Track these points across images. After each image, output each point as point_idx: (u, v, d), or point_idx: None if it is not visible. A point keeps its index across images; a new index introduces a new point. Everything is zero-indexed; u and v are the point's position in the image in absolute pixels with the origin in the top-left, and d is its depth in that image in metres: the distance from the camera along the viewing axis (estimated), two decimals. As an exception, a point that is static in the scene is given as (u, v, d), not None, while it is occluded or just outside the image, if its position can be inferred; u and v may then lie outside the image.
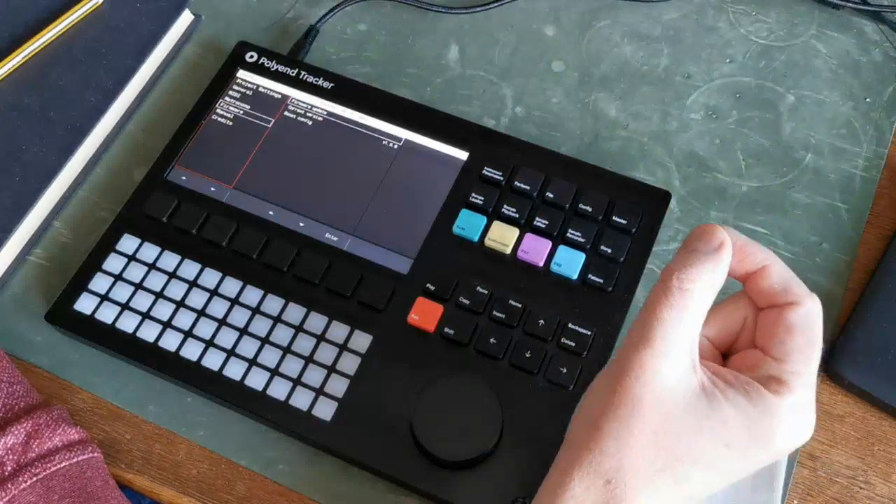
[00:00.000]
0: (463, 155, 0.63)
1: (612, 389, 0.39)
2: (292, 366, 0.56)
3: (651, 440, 0.38)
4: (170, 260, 0.60)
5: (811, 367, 0.40)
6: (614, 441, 0.38)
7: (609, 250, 0.58)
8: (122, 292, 0.60)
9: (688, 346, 0.39)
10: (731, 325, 0.43)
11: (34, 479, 0.50)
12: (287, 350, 0.57)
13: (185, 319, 0.58)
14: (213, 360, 0.57)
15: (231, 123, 0.65)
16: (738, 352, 0.43)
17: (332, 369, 0.56)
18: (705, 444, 0.38)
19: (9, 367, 0.55)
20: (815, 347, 0.40)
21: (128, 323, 0.59)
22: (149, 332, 0.58)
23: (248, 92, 0.66)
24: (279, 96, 0.66)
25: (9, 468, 0.50)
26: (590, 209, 0.60)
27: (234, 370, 0.57)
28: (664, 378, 0.38)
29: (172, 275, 0.60)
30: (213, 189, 0.63)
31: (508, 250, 0.59)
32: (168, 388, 0.58)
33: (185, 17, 0.71)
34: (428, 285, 0.58)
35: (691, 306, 0.38)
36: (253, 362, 0.57)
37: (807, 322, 0.40)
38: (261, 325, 0.58)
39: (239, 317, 0.58)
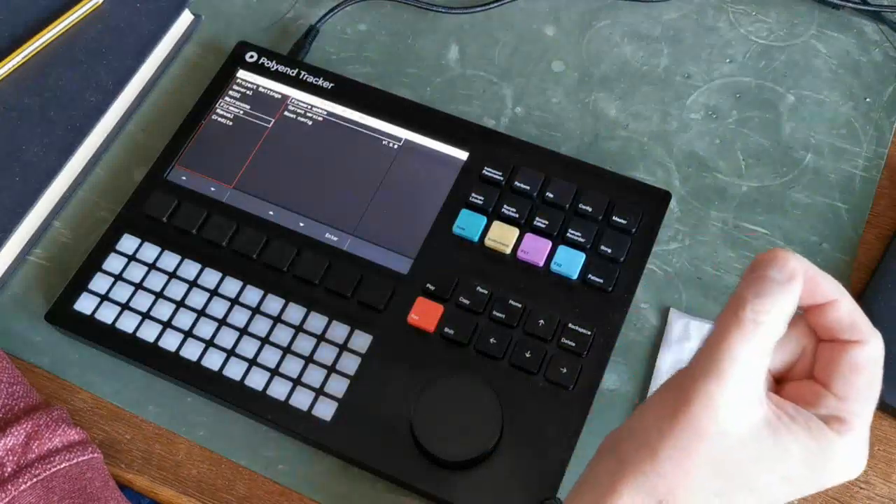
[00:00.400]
0: (463, 155, 0.63)
1: (673, 415, 0.38)
2: (292, 366, 0.56)
3: (710, 469, 0.38)
4: (170, 260, 0.60)
5: (871, 407, 0.40)
6: (672, 466, 0.38)
7: (609, 250, 0.58)
8: (122, 292, 0.60)
9: (757, 379, 0.38)
10: (790, 353, 0.42)
11: (34, 480, 0.50)
12: (287, 350, 0.57)
13: (185, 319, 0.58)
14: (213, 360, 0.57)
15: (231, 123, 0.65)
16: (794, 380, 0.42)
17: (332, 369, 0.56)
18: (764, 474, 0.38)
19: (8, 367, 0.55)
20: (876, 388, 0.40)
21: (128, 323, 0.59)
22: (149, 332, 0.58)
23: (248, 92, 0.66)
24: (279, 96, 0.66)
25: (9, 469, 0.50)
26: (590, 209, 0.60)
27: (234, 370, 0.57)
28: (731, 410, 0.37)
29: (172, 275, 0.60)
30: (213, 189, 0.63)
31: (508, 250, 0.59)
32: (168, 388, 0.58)
33: (185, 17, 0.71)
34: (428, 285, 0.58)
35: (763, 338, 0.38)
36: (253, 362, 0.57)
37: (872, 362, 0.40)
38: (261, 325, 0.58)
39: (239, 317, 0.58)
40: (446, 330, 0.57)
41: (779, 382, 0.43)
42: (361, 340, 0.57)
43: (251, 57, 0.67)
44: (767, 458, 0.38)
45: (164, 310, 0.59)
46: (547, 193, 0.60)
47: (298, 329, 0.58)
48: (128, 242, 0.61)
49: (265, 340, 0.57)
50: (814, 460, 0.38)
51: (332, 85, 0.66)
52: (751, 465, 0.38)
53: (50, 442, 0.52)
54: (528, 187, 0.61)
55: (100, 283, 0.60)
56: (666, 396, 0.40)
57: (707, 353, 0.38)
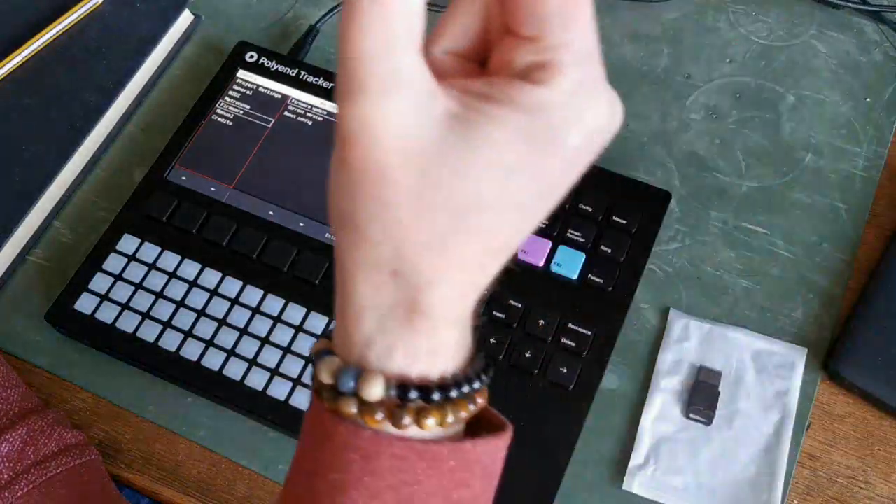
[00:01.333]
0: (463, 155, 0.62)
1: (344, 166, 0.30)
2: (292, 366, 0.56)
3: (418, 206, 0.29)
4: (170, 260, 0.60)
5: (579, 30, 0.30)
6: (377, 225, 0.30)
7: (609, 250, 0.58)
8: (122, 292, 0.60)
9: (412, 71, 0.29)
10: (473, 24, 0.32)
11: (31, 486, 0.50)
12: (287, 350, 0.57)
13: (185, 319, 0.58)
14: (213, 360, 0.57)
15: (231, 123, 0.65)
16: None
17: (332, 369, 0.56)
18: (482, 181, 0.29)
19: (3, 370, 0.55)
20: (579, 5, 0.29)
21: (128, 323, 0.59)
22: (149, 333, 0.58)
23: (248, 92, 0.66)
24: (279, 96, 0.66)
25: (5, 476, 0.50)
26: (590, 209, 0.60)
27: (234, 370, 0.57)
28: (398, 124, 0.28)
29: (172, 275, 0.60)
30: (213, 189, 0.63)
31: (508, 250, 0.59)
32: (168, 389, 0.58)
33: (185, 17, 0.71)
34: (428, 285, 0.58)
35: (393, 16, 0.28)
36: (253, 362, 0.57)
37: None
38: (261, 325, 0.58)
39: (239, 317, 0.58)
40: (446, 330, 0.57)
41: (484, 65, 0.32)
42: (361, 340, 0.57)
43: (251, 57, 0.67)
44: (474, 160, 0.28)
45: (164, 310, 0.59)
46: (547, 193, 0.60)
47: (298, 329, 0.58)
48: (128, 242, 0.61)
49: (265, 340, 0.57)
50: (532, 135, 0.29)
51: (332, 85, 0.66)
52: (461, 179, 0.29)
53: (46, 447, 0.51)
54: (528, 187, 0.60)
55: (100, 282, 0.60)
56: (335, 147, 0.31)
57: (340, 69, 0.29)
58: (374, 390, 0.31)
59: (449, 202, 0.29)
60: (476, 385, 0.33)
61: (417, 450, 0.31)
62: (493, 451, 0.34)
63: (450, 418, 0.32)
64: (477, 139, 0.29)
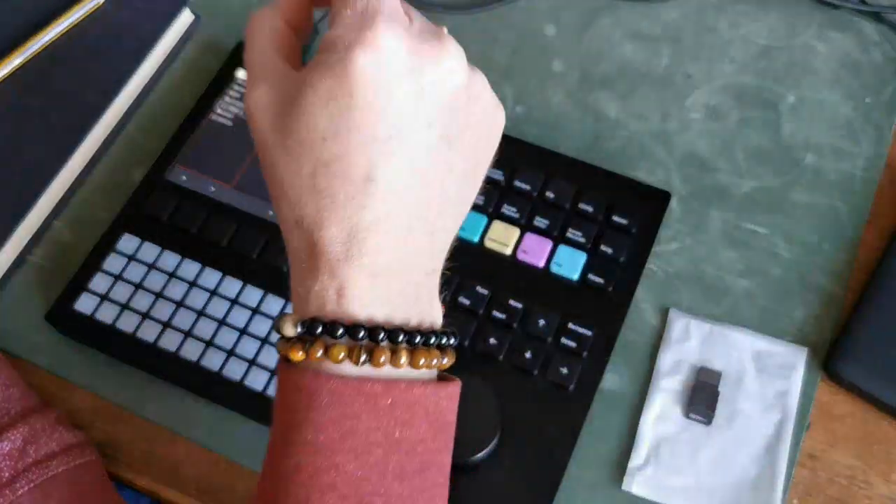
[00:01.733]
0: (463, 155, 0.62)
1: (254, 142, 0.38)
2: (292, 366, 0.56)
3: (287, 158, 0.36)
4: (170, 260, 0.60)
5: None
6: (274, 183, 0.37)
7: (609, 250, 0.58)
8: (122, 292, 0.60)
9: (274, 66, 0.38)
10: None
11: (31, 485, 0.50)
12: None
13: (184, 319, 0.58)
14: (212, 360, 0.57)
15: (231, 123, 0.65)
16: None
17: (332, 369, 0.56)
18: (315, 116, 0.35)
19: (5, 369, 0.55)
20: None
21: (128, 323, 0.59)
22: (149, 332, 0.58)
23: (248, 92, 0.66)
24: (279, 96, 0.66)
25: (6, 475, 0.50)
26: (590, 209, 0.60)
27: (234, 370, 0.57)
28: (265, 102, 0.37)
29: (172, 275, 0.60)
30: (213, 189, 0.63)
31: (509, 250, 0.59)
32: (168, 389, 0.58)
33: (185, 17, 0.71)
34: (428, 285, 0.58)
35: (263, 38, 0.39)
36: (252, 362, 0.57)
37: None
38: (261, 325, 0.58)
39: (239, 316, 0.58)
40: (446, 330, 0.57)
41: None
42: (361, 340, 0.57)
43: (251, 57, 0.67)
44: (308, 106, 0.36)
45: (163, 310, 0.59)
46: (547, 193, 0.60)
47: (298, 329, 0.58)
48: (128, 242, 0.61)
49: (265, 340, 0.57)
50: (324, 68, 0.35)
51: (332, 85, 0.66)
52: (304, 123, 0.35)
53: (47, 446, 0.52)
54: (528, 187, 0.61)
55: (100, 283, 0.60)
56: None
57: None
58: (287, 329, 0.36)
59: (304, 145, 0.36)
60: (429, 339, 0.37)
61: (353, 385, 0.35)
62: (435, 397, 0.37)
63: (403, 360, 0.36)
64: (305, 91, 0.36)
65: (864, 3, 0.68)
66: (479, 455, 0.52)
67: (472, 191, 0.40)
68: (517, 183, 0.61)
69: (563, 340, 0.56)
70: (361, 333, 0.36)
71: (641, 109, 0.66)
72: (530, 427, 0.54)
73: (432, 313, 0.39)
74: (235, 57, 0.68)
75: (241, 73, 0.67)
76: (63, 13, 0.69)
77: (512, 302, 0.57)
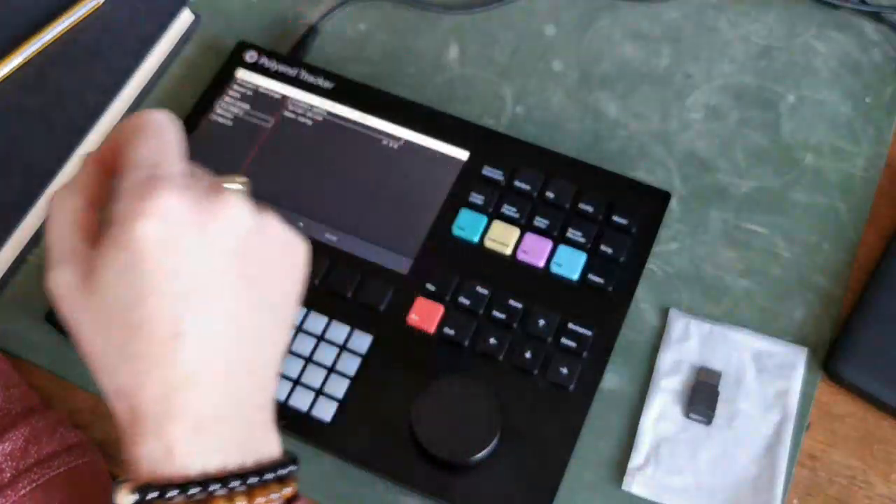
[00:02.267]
0: (463, 155, 0.63)
1: (68, 327, 0.39)
2: (292, 366, 0.56)
3: (94, 332, 0.38)
4: (170, 260, 0.60)
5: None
6: (89, 360, 0.38)
7: (609, 250, 0.58)
8: (122, 292, 0.60)
9: (72, 249, 0.38)
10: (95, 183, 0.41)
11: (33, 485, 0.50)
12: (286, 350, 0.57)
13: (185, 319, 0.58)
14: (213, 361, 0.57)
15: (231, 123, 0.65)
16: None
17: (331, 369, 0.56)
18: (110, 287, 0.37)
19: (6, 369, 0.55)
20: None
21: (128, 323, 0.58)
22: (149, 333, 0.58)
23: (247, 92, 0.66)
24: (279, 96, 0.66)
25: (7, 475, 0.50)
26: (590, 209, 0.60)
27: (234, 370, 0.57)
28: (65, 284, 0.38)
29: (172, 275, 0.60)
30: (213, 189, 0.63)
31: (509, 250, 0.59)
32: (168, 388, 0.58)
33: (185, 17, 0.71)
34: (428, 285, 0.58)
35: (63, 222, 0.39)
36: (253, 362, 0.57)
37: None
38: (261, 326, 0.58)
39: (239, 317, 0.58)
40: (446, 330, 0.57)
41: None
42: (361, 341, 0.57)
43: (251, 57, 0.67)
44: (100, 280, 0.37)
45: (164, 310, 0.59)
46: (547, 193, 0.60)
47: (298, 329, 0.58)
48: (128, 242, 0.61)
49: (265, 340, 0.57)
50: (112, 244, 0.37)
51: (332, 85, 0.66)
52: (102, 297, 0.37)
53: (48, 446, 0.52)
54: (528, 187, 0.61)
55: (100, 283, 0.60)
56: None
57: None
58: (121, 499, 0.37)
59: (111, 317, 0.37)
60: (264, 476, 0.38)
61: None
62: None
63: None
64: (101, 267, 0.37)
65: (864, 3, 0.68)
66: (479, 455, 0.52)
67: (285, 320, 0.41)
68: (517, 183, 0.61)
69: (563, 340, 0.56)
70: (192, 490, 0.36)
71: (641, 109, 0.66)
72: (530, 427, 0.54)
73: (269, 446, 0.40)
74: (235, 57, 0.68)
75: (241, 73, 0.67)
76: (63, 13, 0.69)
77: (512, 302, 0.57)
